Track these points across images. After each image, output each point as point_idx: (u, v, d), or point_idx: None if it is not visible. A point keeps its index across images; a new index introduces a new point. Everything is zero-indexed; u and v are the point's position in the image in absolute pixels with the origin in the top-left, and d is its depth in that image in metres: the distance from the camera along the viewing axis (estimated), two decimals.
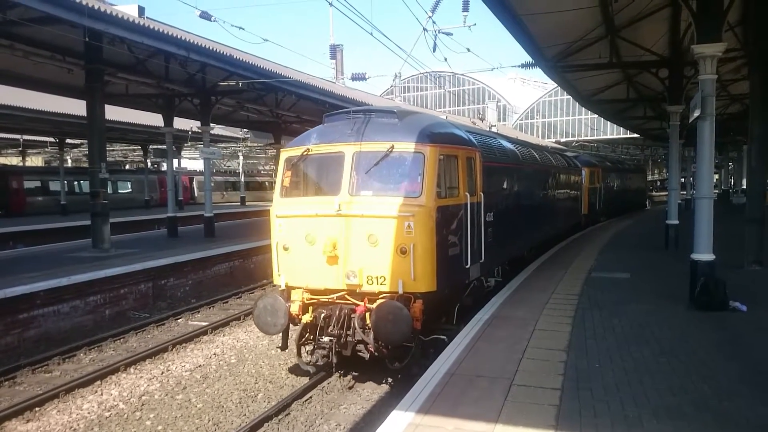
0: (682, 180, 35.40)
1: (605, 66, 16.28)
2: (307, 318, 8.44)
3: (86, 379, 9.45)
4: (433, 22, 14.09)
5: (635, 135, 45.43)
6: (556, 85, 30.07)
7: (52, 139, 36.55)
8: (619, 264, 14.43)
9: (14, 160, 50.10)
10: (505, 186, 11.60)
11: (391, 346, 7.88)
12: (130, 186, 41.69)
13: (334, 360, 8.27)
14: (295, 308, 8.43)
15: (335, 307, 8.28)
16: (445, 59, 29.73)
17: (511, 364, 6.76)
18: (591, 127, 60.23)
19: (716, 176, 53.03)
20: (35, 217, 30.11)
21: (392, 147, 8.17)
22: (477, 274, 9.69)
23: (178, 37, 15.16)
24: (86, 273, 13.12)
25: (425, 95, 75.36)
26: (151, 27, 14.28)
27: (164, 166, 38.91)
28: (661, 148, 57.13)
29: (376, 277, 8.00)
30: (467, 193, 8.98)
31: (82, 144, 40.58)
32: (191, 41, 15.65)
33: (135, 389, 9.26)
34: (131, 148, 50.41)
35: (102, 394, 9.08)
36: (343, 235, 8.11)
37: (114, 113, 23.87)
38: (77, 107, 22.82)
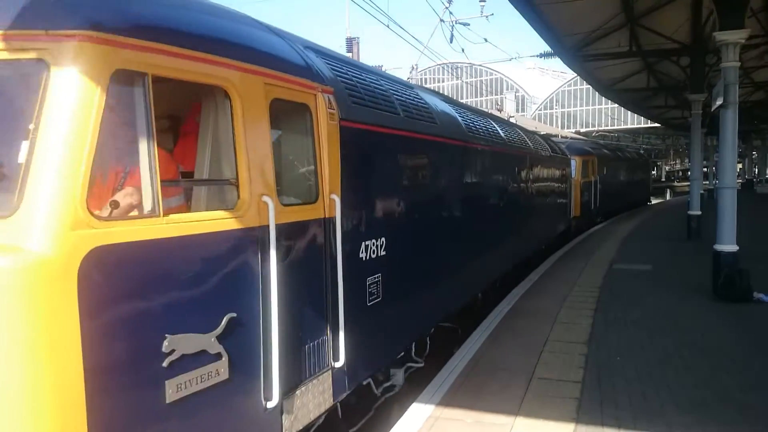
0: (705, 170, 34.75)
1: (625, 54, 16.08)
2: None
3: None
4: (450, 13, 14.12)
5: (656, 124, 44.87)
6: (575, 74, 29.76)
7: None
8: (641, 255, 14.31)
9: None
10: (421, 179, 6.47)
11: None
12: None
13: None
14: None
15: None
16: (463, 50, 29.70)
17: (532, 357, 6.75)
18: (611, 117, 59.64)
19: (739, 165, 52.24)
20: None
21: None
22: (324, 404, 4.39)
23: None
24: None
25: (442, 86, 75.13)
26: None
27: None
28: (683, 138, 56.39)
29: None
30: (267, 198, 3.63)
31: None
32: None
33: None
34: None
35: None
36: None
37: None
38: None
